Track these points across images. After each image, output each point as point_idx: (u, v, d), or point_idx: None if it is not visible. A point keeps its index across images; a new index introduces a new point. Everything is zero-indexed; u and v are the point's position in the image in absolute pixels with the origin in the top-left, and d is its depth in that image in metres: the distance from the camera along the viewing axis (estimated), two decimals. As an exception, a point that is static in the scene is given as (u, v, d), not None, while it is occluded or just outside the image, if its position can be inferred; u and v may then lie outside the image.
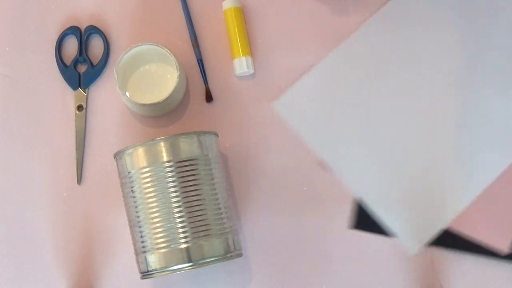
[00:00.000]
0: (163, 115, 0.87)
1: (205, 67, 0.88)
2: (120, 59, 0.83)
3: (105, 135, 0.87)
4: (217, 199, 0.76)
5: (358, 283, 0.82)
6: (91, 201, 0.85)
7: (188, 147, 0.76)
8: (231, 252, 0.76)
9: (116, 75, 0.82)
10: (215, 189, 0.76)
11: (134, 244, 0.77)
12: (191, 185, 0.75)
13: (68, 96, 0.88)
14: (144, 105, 0.82)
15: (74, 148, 0.86)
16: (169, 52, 0.83)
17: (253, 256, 0.83)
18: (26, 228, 0.84)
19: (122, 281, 0.83)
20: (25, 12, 0.90)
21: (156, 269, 0.75)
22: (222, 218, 0.76)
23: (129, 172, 0.76)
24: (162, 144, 0.75)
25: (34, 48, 0.89)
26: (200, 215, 0.74)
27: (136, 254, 0.77)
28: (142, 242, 0.75)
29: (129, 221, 0.78)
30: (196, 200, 0.75)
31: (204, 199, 0.75)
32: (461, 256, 0.82)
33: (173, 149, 0.75)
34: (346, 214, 0.83)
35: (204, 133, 0.78)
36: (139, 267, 0.77)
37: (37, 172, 0.86)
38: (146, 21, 0.90)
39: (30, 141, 0.87)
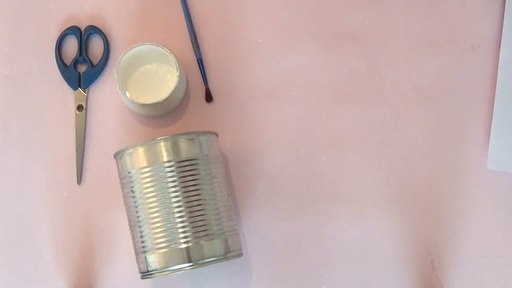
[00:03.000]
0: (163, 115, 0.87)
1: (205, 67, 0.88)
2: (120, 59, 0.83)
3: (105, 135, 0.87)
4: (217, 199, 0.76)
5: (358, 283, 0.82)
6: (91, 201, 0.85)
7: (188, 147, 0.76)
8: (231, 252, 0.76)
9: (116, 75, 0.82)
10: (215, 189, 0.76)
11: (134, 244, 0.77)
12: (191, 185, 0.75)
13: (68, 96, 0.88)
14: (144, 105, 0.82)
15: (74, 148, 0.86)
16: (169, 52, 0.83)
17: (253, 256, 0.83)
18: (26, 228, 0.84)
19: (122, 281, 0.83)
20: (25, 12, 0.90)
21: (156, 269, 0.75)
22: (222, 218, 0.76)
23: (129, 172, 0.76)
24: (162, 144, 0.75)
25: (34, 48, 0.89)
26: (200, 215, 0.74)
27: (136, 254, 0.77)
28: (142, 242, 0.75)
29: (129, 221, 0.77)
30: (196, 200, 0.75)
31: (204, 199, 0.75)
32: (461, 256, 0.82)
33: (173, 149, 0.75)
34: (346, 214, 0.83)
35: (204, 133, 0.78)
36: (139, 267, 0.77)
37: (37, 172, 0.86)
38: (146, 21, 0.90)
39: (30, 141, 0.87)
